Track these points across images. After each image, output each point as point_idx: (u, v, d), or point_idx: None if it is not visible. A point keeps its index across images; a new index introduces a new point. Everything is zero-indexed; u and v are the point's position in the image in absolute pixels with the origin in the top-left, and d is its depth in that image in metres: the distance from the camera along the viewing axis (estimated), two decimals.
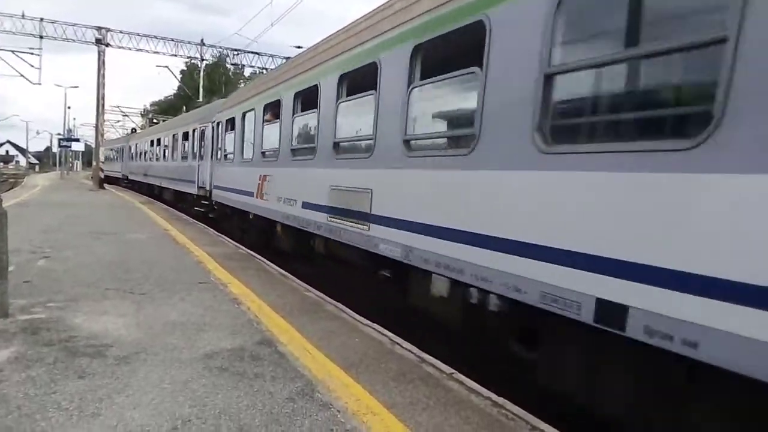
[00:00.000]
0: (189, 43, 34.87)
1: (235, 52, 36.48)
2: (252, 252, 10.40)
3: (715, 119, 2.77)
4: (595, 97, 3.89)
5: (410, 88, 5.48)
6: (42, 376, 3.87)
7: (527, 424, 3.57)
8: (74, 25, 31.36)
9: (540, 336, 4.20)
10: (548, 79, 3.79)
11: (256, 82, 13.26)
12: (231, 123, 13.27)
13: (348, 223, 6.65)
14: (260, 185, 10.43)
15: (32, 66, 31.86)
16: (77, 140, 53.12)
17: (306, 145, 8.34)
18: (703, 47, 2.98)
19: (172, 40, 34.16)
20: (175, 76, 50.43)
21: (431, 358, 4.80)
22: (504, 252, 4.11)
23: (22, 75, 31.67)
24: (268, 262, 9.38)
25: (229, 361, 4.36)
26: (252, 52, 35.95)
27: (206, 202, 16.35)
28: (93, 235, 11.45)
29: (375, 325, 5.74)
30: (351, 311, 6.34)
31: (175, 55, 34.93)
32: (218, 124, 14.98)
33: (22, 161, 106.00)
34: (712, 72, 2.81)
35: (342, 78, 7.08)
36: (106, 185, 33.47)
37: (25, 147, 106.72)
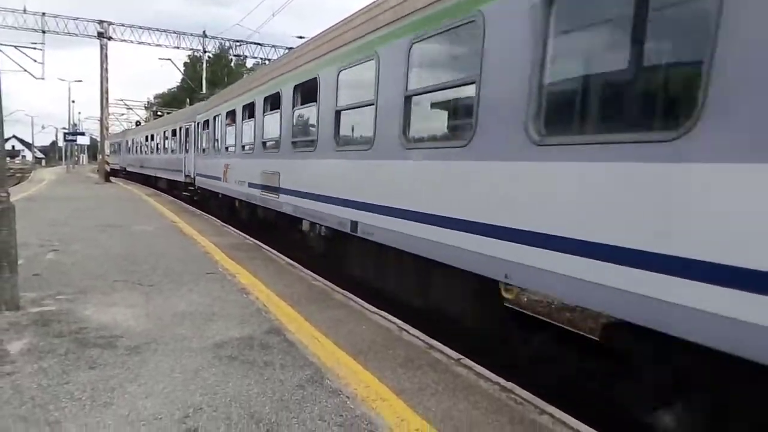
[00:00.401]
0: (191, 35, 34.82)
1: (237, 43, 36.34)
2: (259, 242, 10.43)
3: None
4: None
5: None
6: (54, 367, 3.91)
7: (536, 408, 3.59)
8: (76, 19, 31.33)
9: None
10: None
11: (221, 94, 16.42)
12: (206, 123, 16.66)
13: (269, 195, 10.14)
14: (225, 172, 13.80)
15: (35, 61, 31.94)
16: (82, 134, 53.11)
17: (250, 143, 11.60)
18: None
19: (174, 32, 34.11)
20: (178, 69, 50.35)
21: (439, 344, 4.82)
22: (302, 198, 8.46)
23: (25, 70, 31.77)
24: (275, 252, 9.41)
25: (238, 350, 4.40)
26: (254, 43, 35.81)
27: (192, 188, 19.35)
28: (100, 228, 11.51)
29: (383, 313, 5.76)
30: (359, 299, 6.37)
31: (178, 48, 34.86)
32: (198, 123, 18.12)
33: (29, 156, 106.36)
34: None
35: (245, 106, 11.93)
36: (112, 178, 33.57)
37: (30, 142, 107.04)
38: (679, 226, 2.90)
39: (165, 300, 5.85)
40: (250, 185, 11.31)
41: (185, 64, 71.03)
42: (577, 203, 3.55)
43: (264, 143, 10.57)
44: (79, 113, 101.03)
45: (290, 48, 33.21)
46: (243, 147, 12.12)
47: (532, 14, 3.89)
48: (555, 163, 3.75)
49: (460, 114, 5.17)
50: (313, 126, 8.10)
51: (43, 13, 30.53)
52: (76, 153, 68.59)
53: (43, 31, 30.79)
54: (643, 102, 3.61)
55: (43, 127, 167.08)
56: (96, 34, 31.59)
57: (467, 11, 4.61)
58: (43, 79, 32.66)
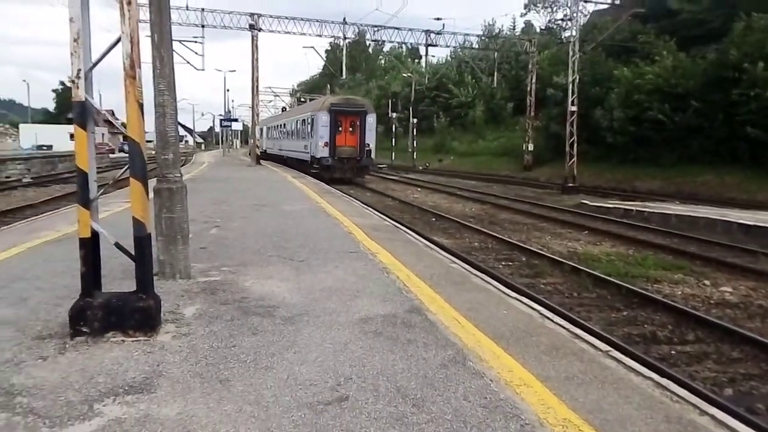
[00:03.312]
0: (332, 22, 36.07)
1: (375, 29, 37.08)
2: (398, 224, 10.69)
3: None
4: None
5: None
6: (222, 332, 4.34)
7: (695, 408, 3.34)
8: (230, 12, 33.89)
9: None
10: None
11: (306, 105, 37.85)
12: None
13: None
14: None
15: (196, 53, 35.06)
16: (236, 120, 57.86)
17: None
18: None
19: (317, 20, 35.56)
20: (320, 56, 52.69)
21: (585, 334, 4.65)
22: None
23: (188, 62, 34.96)
24: (413, 234, 9.60)
25: (382, 326, 4.57)
26: (392, 28, 36.33)
27: (316, 166, 27.39)
28: (255, 206, 12.50)
29: (523, 298, 5.66)
30: (498, 283, 6.32)
31: (320, 36, 36.31)
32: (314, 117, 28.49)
33: (190, 141, 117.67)
34: None
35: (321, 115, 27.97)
36: (261, 161, 36.17)
37: (192, 128, 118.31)
38: None
39: (314, 275, 6.24)
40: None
41: (326, 51, 73.87)
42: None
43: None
44: (233, 101, 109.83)
45: (427, 30, 33.88)
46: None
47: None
48: None
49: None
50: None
51: (203, 9, 33.40)
52: (231, 138, 74.66)
53: (203, 26, 33.63)
54: None
55: (202, 115, 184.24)
56: (248, 27, 33.98)
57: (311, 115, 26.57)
58: (203, 70, 35.93)
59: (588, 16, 37.66)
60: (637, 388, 3.59)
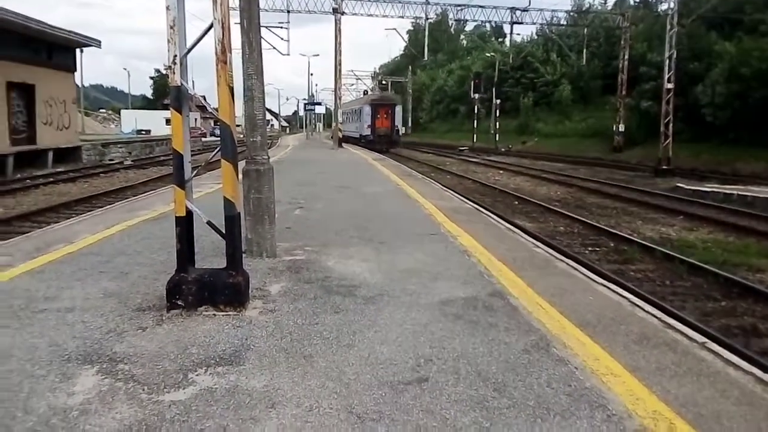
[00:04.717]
0: (415, 3, 35.71)
1: (459, 8, 36.38)
2: (479, 206, 10.55)
3: None
4: None
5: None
6: (306, 309, 4.47)
7: None
8: None
9: None
10: None
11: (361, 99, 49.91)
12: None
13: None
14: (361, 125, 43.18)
15: (282, 39, 35.90)
16: (319, 104, 59.01)
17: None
18: None
19: (399, 2, 35.35)
20: (402, 37, 52.50)
21: (679, 324, 4.40)
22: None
23: (274, 47, 35.88)
24: (494, 217, 9.44)
25: (463, 309, 4.54)
26: (476, 6, 35.49)
27: (363, 141, 41.20)
28: (337, 188, 12.74)
29: (611, 285, 5.43)
30: (584, 269, 6.09)
31: (402, 17, 36.22)
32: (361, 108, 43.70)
33: (276, 125, 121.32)
34: None
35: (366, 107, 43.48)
36: (343, 144, 36.78)
37: (277, 112, 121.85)
38: None
39: (394, 256, 6.28)
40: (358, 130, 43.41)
41: (408, 32, 73.40)
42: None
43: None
44: (316, 85, 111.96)
45: (512, 8, 32.80)
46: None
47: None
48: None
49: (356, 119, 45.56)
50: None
51: None
52: (314, 121, 76.31)
53: (288, 11, 34.34)
54: None
55: (287, 99, 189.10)
56: (331, 10, 34.36)
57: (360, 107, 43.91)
58: (288, 55, 36.75)
59: None
60: (736, 383, 3.36)
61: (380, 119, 42.02)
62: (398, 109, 43.94)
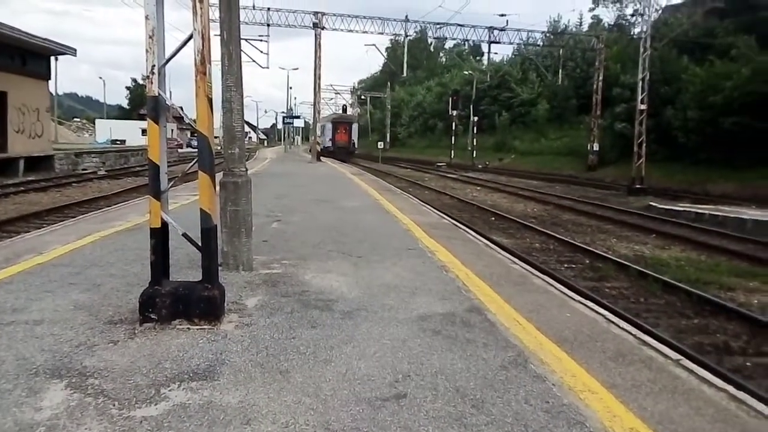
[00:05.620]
0: (394, 20, 36.07)
1: (438, 26, 36.83)
2: (456, 222, 10.59)
3: None
4: None
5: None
6: (283, 323, 4.41)
7: None
8: (295, 11, 34.53)
9: None
10: None
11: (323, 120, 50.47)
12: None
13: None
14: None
15: (261, 52, 35.84)
16: (298, 117, 58.97)
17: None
18: None
19: (380, 18, 35.67)
20: (382, 54, 52.86)
21: (653, 341, 4.45)
22: None
23: (254, 60, 35.82)
24: (472, 232, 9.48)
25: (441, 324, 4.52)
26: (455, 24, 35.98)
27: (325, 152, 45.09)
28: (315, 201, 12.69)
29: (587, 302, 5.48)
30: (560, 285, 6.14)
31: (382, 33, 36.42)
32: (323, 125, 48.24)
33: (254, 137, 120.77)
34: None
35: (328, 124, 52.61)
36: (321, 158, 36.72)
37: (255, 125, 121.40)
38: None
39: (372, 271, 6.25)
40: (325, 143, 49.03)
41: (387, 48, 73.95)
42: None
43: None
44: (295, 98, 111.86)
45: (490, 27, 33.41)
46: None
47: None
48: None
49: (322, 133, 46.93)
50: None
51: (269, 8, 34.14)
52: (292, 134, 76.15)
53: (268, 25, 34.40)
54: None
55: (265, 112, 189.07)
56: (311, 25, 34.50)
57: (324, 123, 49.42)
58: (267, 68, 36.66)
59: (660, 11, 36.10)
60: (710, 400, 3.40)
61: (340, 134, 51.99)
62: (355, 126, 54.43)
